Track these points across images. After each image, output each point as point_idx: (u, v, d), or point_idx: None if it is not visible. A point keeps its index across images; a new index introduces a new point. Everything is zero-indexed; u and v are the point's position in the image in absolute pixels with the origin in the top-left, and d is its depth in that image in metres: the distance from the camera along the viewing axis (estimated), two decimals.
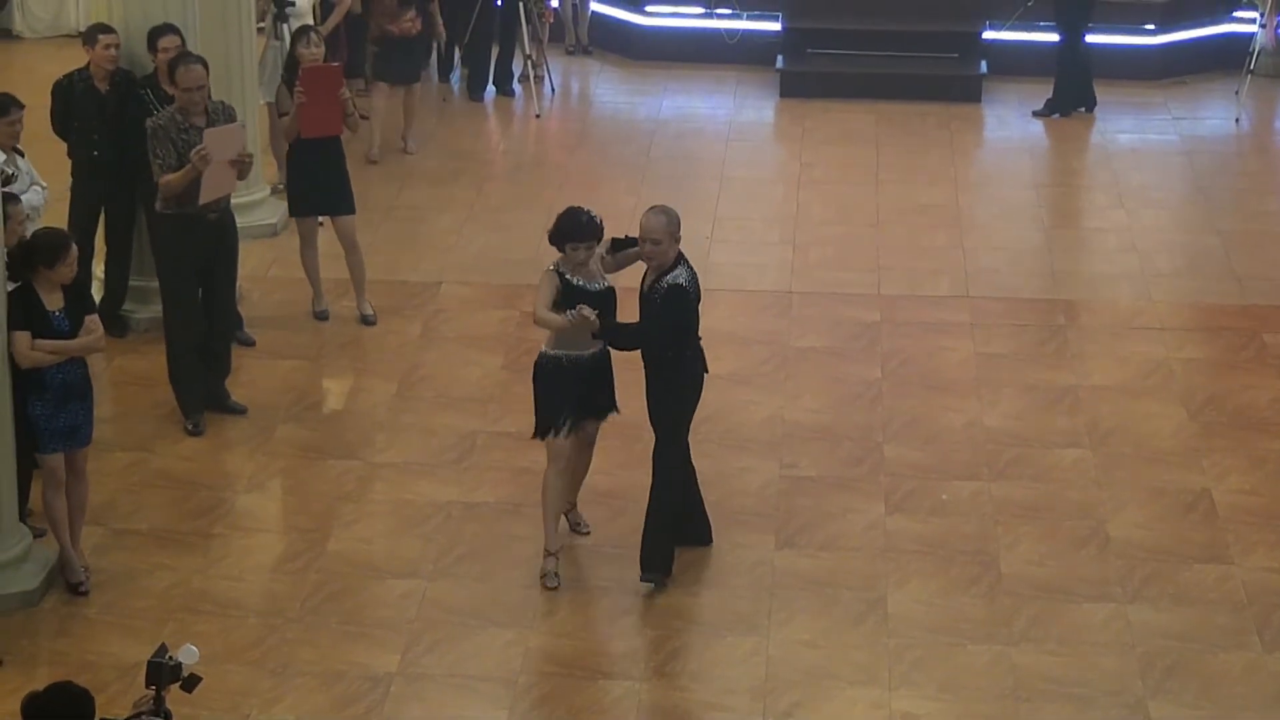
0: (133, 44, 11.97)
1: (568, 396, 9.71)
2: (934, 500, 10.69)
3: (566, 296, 9.58)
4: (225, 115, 11.25)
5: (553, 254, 9.80)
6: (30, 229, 10.02)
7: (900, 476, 10.92)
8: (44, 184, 11.13)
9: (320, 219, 12.70)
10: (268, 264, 13.33)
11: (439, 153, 15.84)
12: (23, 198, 10.35)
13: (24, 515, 9.89)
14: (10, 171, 10.59)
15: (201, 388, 11.34)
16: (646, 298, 9.58)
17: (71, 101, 11.91)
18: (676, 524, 9.77)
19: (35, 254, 9.52)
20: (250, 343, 12.18)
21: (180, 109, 11.11)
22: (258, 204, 13.66)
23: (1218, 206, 14.85)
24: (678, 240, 9.59)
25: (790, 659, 9.28)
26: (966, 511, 10.58)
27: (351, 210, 12.55)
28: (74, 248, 9.60)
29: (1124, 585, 9.91)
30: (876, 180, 15.25)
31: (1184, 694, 9.05)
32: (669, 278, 9.51)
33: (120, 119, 11.90)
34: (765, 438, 11.33)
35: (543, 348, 9.84)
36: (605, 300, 9.66)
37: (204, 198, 11.05)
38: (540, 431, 9.79)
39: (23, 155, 11.03)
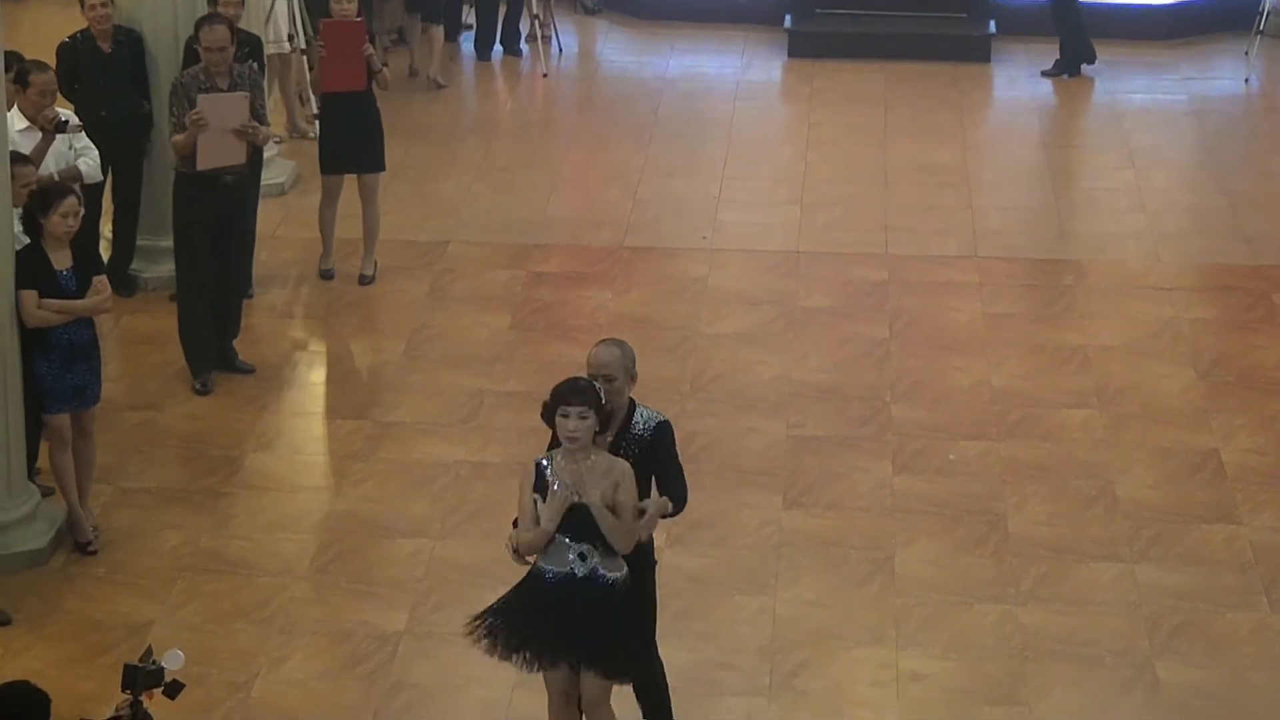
0: (130, 2, 11.97)
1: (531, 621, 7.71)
2: (941, 460, 10.70)
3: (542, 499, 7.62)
4: (248, 81, 11.22)
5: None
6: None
7: (907, 436, 10.92)
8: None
9: None
10: (276, 223, 13.33)
11: (446, 112, 15.83)
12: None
13: (33, 474, 9.91)
14: (65, 118, 10.59)
15: (211, 347, 11.36)
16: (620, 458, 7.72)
17: (76, 61, 11.90)
18: None
19: (31, 203, 9.52)
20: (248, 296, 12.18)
21: (204, 69, 11.11)
22: (267, 162, 13.63)
23: (1227, 167, 14.82)
24: (634, 379, 7.82)
25: (797, 619, 9.29)
26: (974, 471, 10.58)
27: (381, 168, 12.57)
28: (71, 199, 9.55)
29: (1131, 545, 9.91)
30: (884, 140, 15.21)
31: (1191, 653, 9.07)
32: (642, 419, 7.80)
33: (129, 77, 11.91)
34: (772, 397, 11.33)
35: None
36: (587, 516, 7.57)
37: (201, 164, 11.01)
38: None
39: None
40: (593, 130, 15.45)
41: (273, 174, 13.67)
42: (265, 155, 12.64)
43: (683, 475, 7.87)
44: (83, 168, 10.86)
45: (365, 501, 10.22)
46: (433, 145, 14.96)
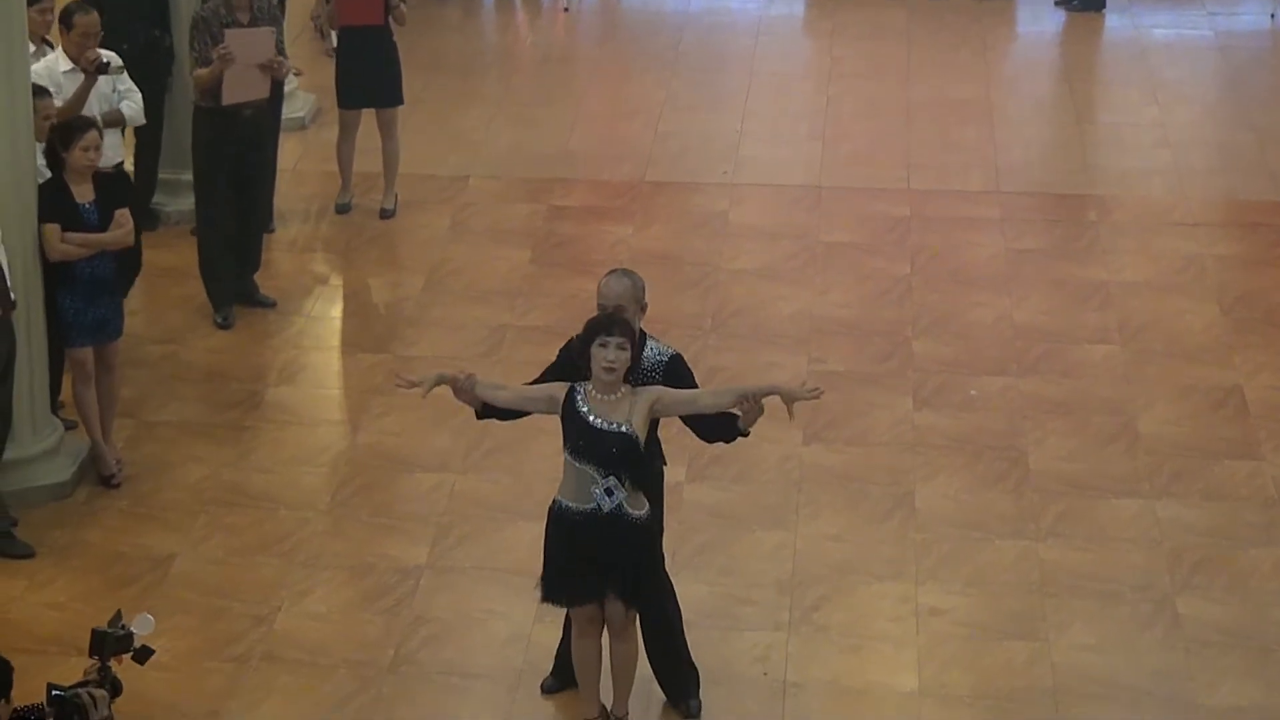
0: None
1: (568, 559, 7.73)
2: (962, 395, 10.68)
3: (570, 429, 7.62)
4: (269, 15, 11.20)
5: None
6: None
7: (929, 372, 10.91)
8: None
9: None
10: (296, 157, 13.31)
11: (466, 45, 15.77)
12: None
13: (56, 408, 9.93)
14: (107, 60, 10.57)
15: (232, 281, 11.37)
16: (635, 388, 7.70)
17: None
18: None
19: (53, 136, 9.52)
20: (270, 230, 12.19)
21: (225, 3, 11.09)
22: (287, 97, 13.60)
23: (1252, 102, 14.74)
24: (644, 310, 7.83)
25: (817, 554, 9.30)
26: (995, 407, 10.57)
27: (399, 102, 12.55)
28: (92, 132, 9.55)
29: (1153, 481, 9.90)
30: (907, 75, 15.14)
31: (1211, 589, 9.07)
32: (654, 353, 7.79)
33: (150, 11, 11.87)
34: (793, 332, 11.32)
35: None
36: (619, 445, 7.54)
37: (227, 99, 11.03)
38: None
39: (53, 47, 11.00)
40: (614, 64, 15.39)
41: (293, 108, 13.64)
42: (285, 89, 12.62)
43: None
44: (126, 111, 10.83)
45: (386, 436, 10.24)
46: (452, 79, 14.91)
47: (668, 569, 8.15)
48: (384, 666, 8.46)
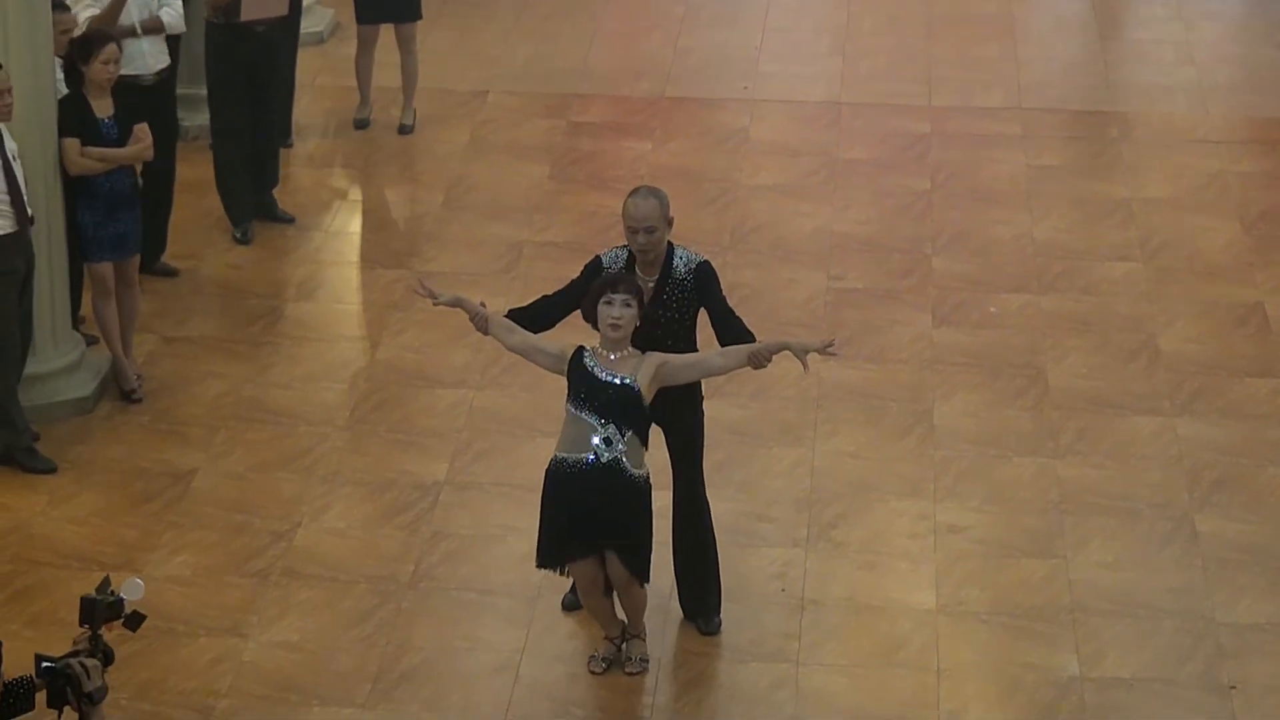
0: None
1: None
2: (982, 313, 10.67)
3: (574, 381, 7.67)
4: None
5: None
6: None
7: (948, 289, 10.89)
8: None
9: None
10: (314, 72, 13.26)
11: None
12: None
13: (76, 323, 9.95)
14: None
15: (250, 196, 11.36)
16: (664, 302, 7.82)
17: None
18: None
19: (72, 50, 9.49)
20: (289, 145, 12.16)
21: None
22: (306, 11, 13.53)
23: (1277, 18, 14.61)
24: (670, 224, 7.87)
25: (835, 471, 9.32)
26: (1015, 324, 10.55)
27: (418, 16, 12.51)
28: (111, 46, 9.53)
29: (1173, 399, 9.89)
30: None
31: (1231, 507, 9.07)
32: (683, 261, 7.85)
33: None
34: (813, 249, 11.30)
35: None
36: (619, 396, 7.59)
37: (245, 15, 11.01)
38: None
39: None
40: None
41: (311, 23, 13.58)
42: (304, 3, 12.56)
43: (735, 312, 7.91)
44: (165, 18, 10.77)
45: (405, 351, 10.26)
46: None
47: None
48: (403, 582, 8.51)
